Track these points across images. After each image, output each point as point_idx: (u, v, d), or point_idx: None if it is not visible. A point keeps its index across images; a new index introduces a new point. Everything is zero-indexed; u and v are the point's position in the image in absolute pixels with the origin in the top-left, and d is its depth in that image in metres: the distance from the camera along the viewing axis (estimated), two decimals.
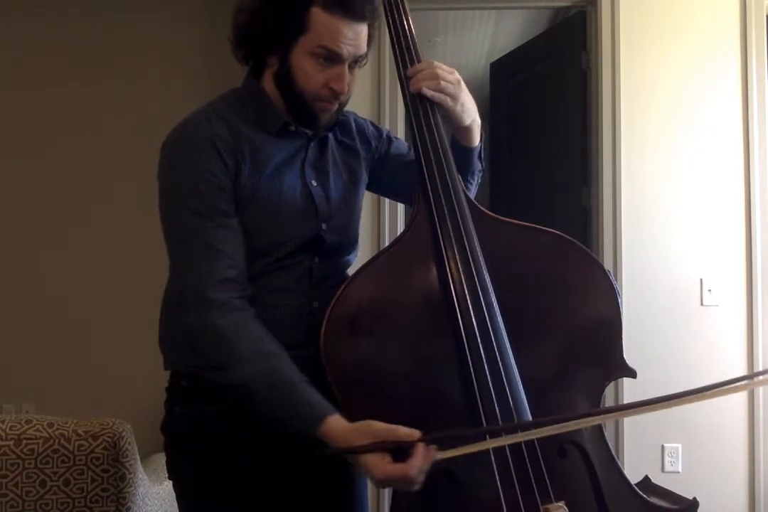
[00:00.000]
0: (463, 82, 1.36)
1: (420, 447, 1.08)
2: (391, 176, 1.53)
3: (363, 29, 1.29)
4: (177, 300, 1.29)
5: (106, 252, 3.60)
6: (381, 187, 1.57)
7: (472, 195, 1.54)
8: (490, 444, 1.12)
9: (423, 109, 1.34)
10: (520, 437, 1.14)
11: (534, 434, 1.12)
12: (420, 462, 1.08)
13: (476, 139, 1.45)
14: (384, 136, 1.54)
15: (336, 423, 1.14)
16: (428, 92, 1.32)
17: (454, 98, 1.34)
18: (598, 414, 1.17)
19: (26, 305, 3.62)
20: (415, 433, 1.09)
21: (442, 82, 1.32)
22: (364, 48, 1.30)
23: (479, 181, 1.56)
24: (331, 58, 1.27)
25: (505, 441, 1.14)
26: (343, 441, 1.11)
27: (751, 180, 2.98)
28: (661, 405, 1.05)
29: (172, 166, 1.29)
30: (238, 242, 1.28)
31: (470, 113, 1.40)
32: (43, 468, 1.66)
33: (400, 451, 1.08)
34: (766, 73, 3.01)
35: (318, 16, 1.24)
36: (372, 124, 1.54)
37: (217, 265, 1.24)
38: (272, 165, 1.32)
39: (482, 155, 1.50)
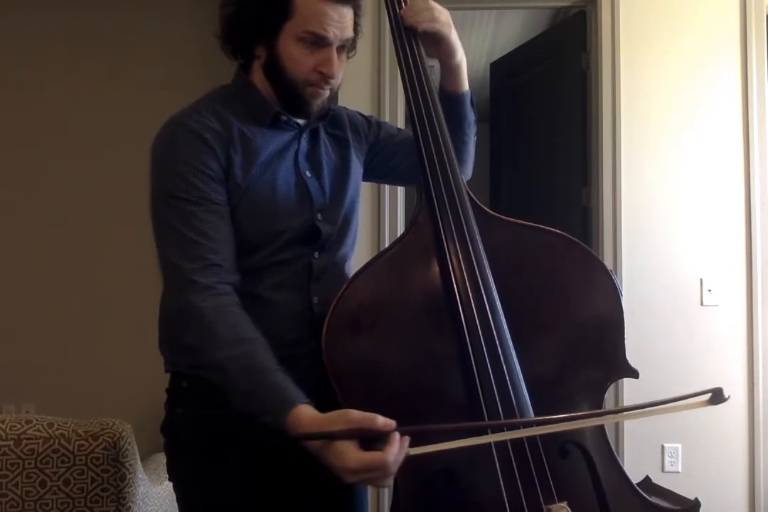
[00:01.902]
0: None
1: (396, 436, 1.05)
2: (390, 156, 1.54)
3: (348, 12, 1.29)
4: (165, 286, 1.29)
5: (106, 252, 3.61)
6: (383, 171, 1.57)
7: (471, 152, 1.55)
8: (462, 442, 1.09)
9: (412, 53, 1.36)
10: (496, 437, 1.13)
11: (513, 434, 1.12)
12: (396, 450, 1.04)
13: (465, 82, 1.45)
14: (372, 122, 1.55)
15: (307, 411, 1.11)
16: (424, 24, 1.35)
17: (449, 26, 1.37)
18: (584, 417, 1.16)
19: (26, 305, 3.62)
20: (391, 423, 1.06)
21: (435, 12, 1.35)
22: (350, 31, 1.31)
23: (476, 136, 1.56)
24: (318, 42, 1.27)
25: (478, 440, 1.11)
26: (315, 426, 1.08)
27: (751, 180, 2.98)
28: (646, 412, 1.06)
29: (162, 159, 1.30)
30: (227, 230, 1.28)
31: (459, 47, 1.40)
32: (43, 468, 1.66)
33: (372, 442, 1.05)
34: (766, 73, 3.01)
35: (302, 0, 1.25)
36: (359, 114, 1.55)
37: (205, 251, 1.24)
38: (265, 156, 1.33)
39: (473, 103, 1.50)
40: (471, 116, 1.51)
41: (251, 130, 1.33)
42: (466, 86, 1.46)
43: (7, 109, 3.68)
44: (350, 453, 1.05)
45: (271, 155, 1.34)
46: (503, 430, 1.15)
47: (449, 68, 1.43)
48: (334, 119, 1.45)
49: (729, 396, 1.07)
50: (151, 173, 1.31)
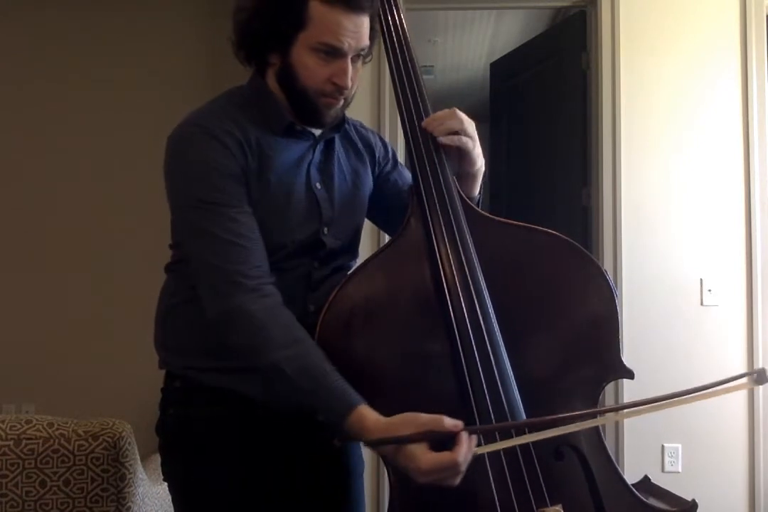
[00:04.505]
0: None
1: (465, 436, 1.07)
2: (383, 204, 1.48)
3: (364, 21, 1.25)
4: (205, 289, 1.24)
5: (106, 252, 3.61)
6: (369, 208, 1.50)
7: None
8: (519, 440, 1.12)
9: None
10: (552, 432, 1.11)
11: (560, 430, 1.11)
12: (465, 449, 1.06)
13: (477, 188, 1.40)
14: (390, 154, 1.51)
15: (370, 414, 1.12)
16: (452, 139, 1.29)
17: (474, 139, 1.32)
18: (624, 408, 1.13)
19: (26, 305, 3.62)
20: (459, 423, 1.08)
21: (465, 123, 1.29)
22: (365, 40, 1.27)
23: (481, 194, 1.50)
24: (333, 53, 1.24)
25: (534, 437, 1.11)
26: (383, 431, 1.09)
27: (751, 180, 2.98)
28: (662, 405, 1.05)
29: (182, 161, 1.27)
30: (257, 229, 1.26)
31: (480, 156, 1.36)
32: (43, 468, 1.66)
33: (441, 442, 1.07)
34: (766, 72, 3.01)
35: (317, 9, 1.22)
36: (380, 138, 1.52)
37: (246, 253, 1.22)
38: (279, 167, 1.30)
39: (479, 204, 1.42)
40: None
41: (267, 139, 1.30)
42: (476, 191, 1.40)
43: (7, 109, 3.68)
44: (422, 455, 1.07)
45: (286, 166, 1.31)
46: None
47: (465, 174, 1.36)
48: (346, 131, 1.43)
49: None
50: (173, 178, 1.28)
